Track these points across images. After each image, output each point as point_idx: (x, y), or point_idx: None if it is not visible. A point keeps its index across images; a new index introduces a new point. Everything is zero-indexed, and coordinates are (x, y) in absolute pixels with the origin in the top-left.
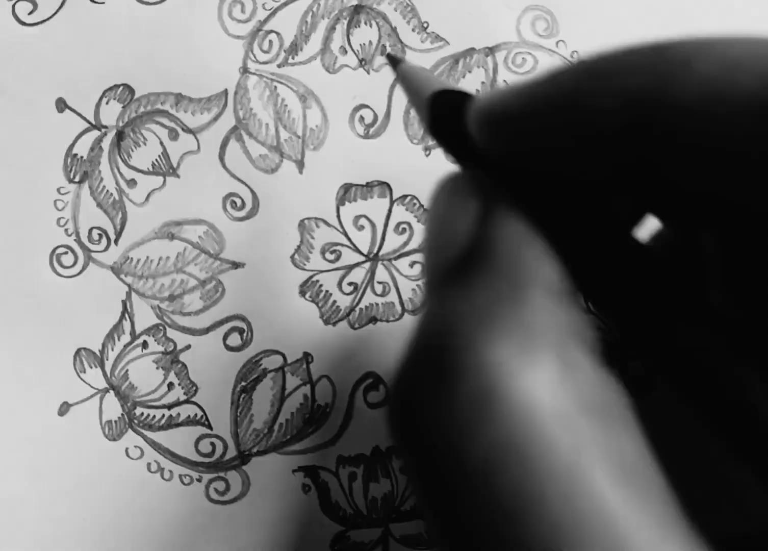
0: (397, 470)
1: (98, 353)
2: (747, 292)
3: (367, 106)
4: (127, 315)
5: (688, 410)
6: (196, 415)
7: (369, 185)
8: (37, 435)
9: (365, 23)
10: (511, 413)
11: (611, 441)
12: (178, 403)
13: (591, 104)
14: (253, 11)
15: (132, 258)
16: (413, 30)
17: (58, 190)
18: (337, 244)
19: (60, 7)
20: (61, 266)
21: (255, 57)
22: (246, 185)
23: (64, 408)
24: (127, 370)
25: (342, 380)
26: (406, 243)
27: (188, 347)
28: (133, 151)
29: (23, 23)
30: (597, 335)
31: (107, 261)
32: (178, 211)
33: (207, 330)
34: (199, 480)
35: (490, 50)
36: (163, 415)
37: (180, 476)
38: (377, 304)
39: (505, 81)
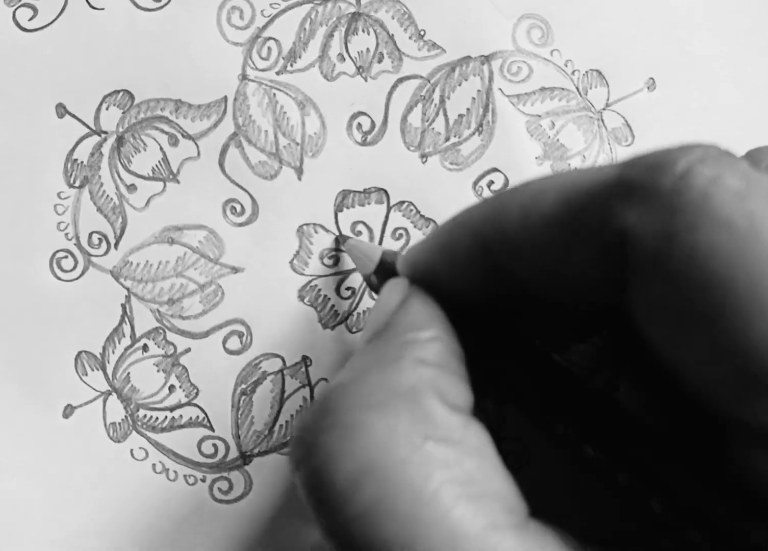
0: None
1: (99, 356)
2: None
3: (364, 114)
4: (126, 319)
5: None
6: (198, 417)
7: (366, 192)
8: (43, 437)
9: (363, 31)
10: (369, 445)
11: (459, 462)
12: (179, 405)
13: (456, 244)
14: (251, 18)
15: (132, 262)
16: (410, 38)
17: (59, 194)
18: (335, 249)
19: (60, 13)
20: (61, 269)
21: (254, 64)
22: (245, 190)
23: (69, 411)
24: (128, 373)
25: None
26: (402, 249)
27: (188, 350)
28: (133, 156)
29: (23, 29)
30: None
31: (107, 265)
32: (178, 216)
33: (207, 334)
34: (203, 480)
35: (486, 58)
36: (166, 417)
37: (185, 476)
38: None
39: (500, 89)
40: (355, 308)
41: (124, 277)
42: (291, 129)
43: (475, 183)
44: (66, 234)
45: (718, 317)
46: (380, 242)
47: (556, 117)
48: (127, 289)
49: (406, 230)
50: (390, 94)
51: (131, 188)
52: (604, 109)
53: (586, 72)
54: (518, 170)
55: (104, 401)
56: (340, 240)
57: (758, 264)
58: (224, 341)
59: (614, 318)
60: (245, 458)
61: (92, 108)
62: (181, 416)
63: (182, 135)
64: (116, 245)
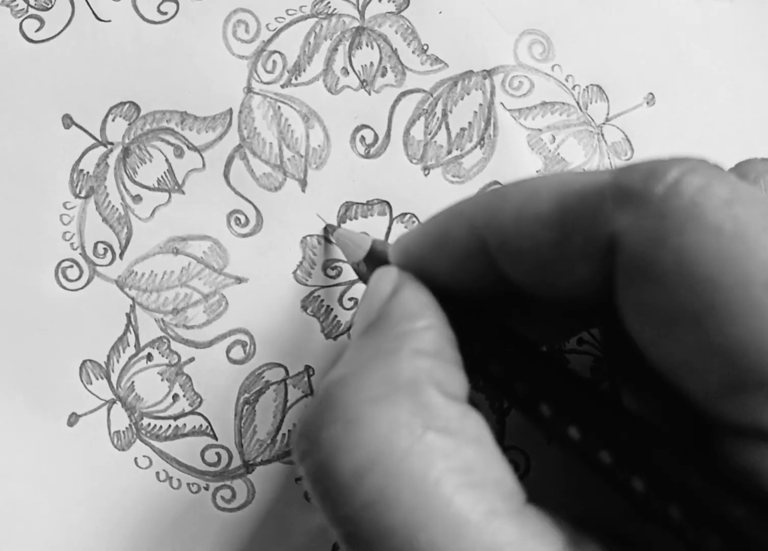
0: None
1: (104, 365)
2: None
3: (367, 127)
4: (131, 328)
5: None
6: (201, 426)
7: (369, 203)
8: (48, 445)
9: (366, 45)
10: (372, 437)
11: (459, 451)
12: (183, 414)
13: (451, 235)
14: (257, 32)
15: (137, 272)
16: (413, 52)
17: (64, 204)
18: (338, 260)
19: (67, 25)
20: (67, 279)
21: (259, 77)
22: (250, 202)
23: (73, 419)
24: (132, 381)
25: None
26: None
27: (192, 359)
28: (138, 167)
29: (30, 40)
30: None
31: (112, 275)
32: (182, 226)
33: (210, 343)
34: (206, 489)
35: (488, 73)
36: (170, 425)
37: (188, 484)
38: None
39: (502, 103)
40: None
41: (129, 286)
42: (295, 141)
43: None
44: (71, 244)
45: (705, 316)
46: None
47: (556, 131)
48: (132, 298)
49: None
50: (393, 107)
51: (137, 198)
52: (604, 123)
53: (587, 87)
54: None
55: (108, 410)
56: (329, 229)
57: (744, 265)
58: (228, 351)
59: (608, 317)
60: (248, 467)
61: (98, 119)
62: (184, 424)
63: (188, 147)
64: (121, 255)
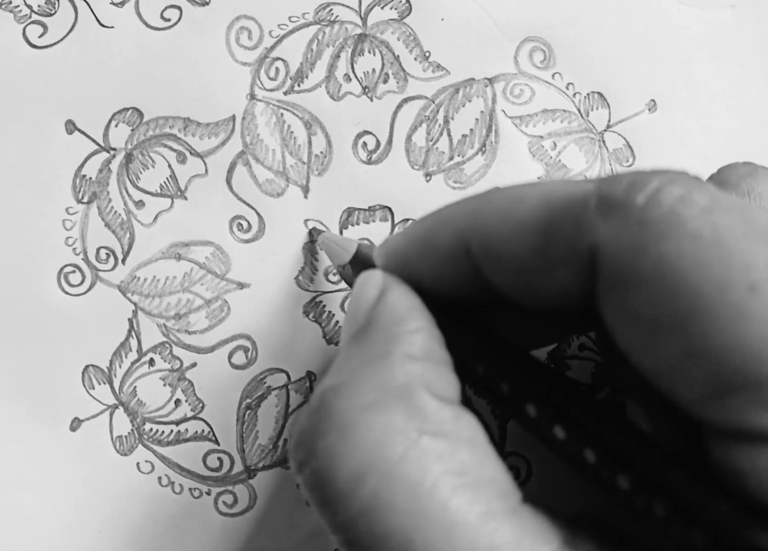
0: None
1: (106, 370)
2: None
3: (369, 133)
4: (133, 333)
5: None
6: (203, 431)
7: (371, 209)
8: (51, 450)
9: (369, 52)
10: (367, 444)
11: (453, 454)
12: (185, 419)
13: (436, 238)
14: (260, 39)
15: (139, 277)
16: (415, 59)
17: (67, 210)
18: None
19: (70, 31)
20: (69, 284)
21: (262, 84)
22: (252, 208)
23: (76, 424)
24: (135, 387)
25: None
26: None
27: (194, 364)
28: (141, 173)
29: (33, 46)
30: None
31: (114, 280)
32: (185, 232)
33: (212, 349)
34: (208, 494)
35: (490, 81)
36: (172, 431)
37: (190, 489)
38: None
39: (503, 111)
40: None
41: (131, 292)
42: (298, 148)
43: None
44: (74, 249)
45: (687, 321)
46: None
47: (558, 138)
48: (134, 304)
49: None
50: (395, 114)
51: (139, 204)
52: (605, 130)
53: (588, 94)
54: None
55: (111, 415)
56: (313, 233)
57: (724, 270)
58: (230, 356)
59: (596, 323)
60: (250, 472)
61: (101, 125)
62: (186, 430)
63: (190, 152)
64: (124, 260)
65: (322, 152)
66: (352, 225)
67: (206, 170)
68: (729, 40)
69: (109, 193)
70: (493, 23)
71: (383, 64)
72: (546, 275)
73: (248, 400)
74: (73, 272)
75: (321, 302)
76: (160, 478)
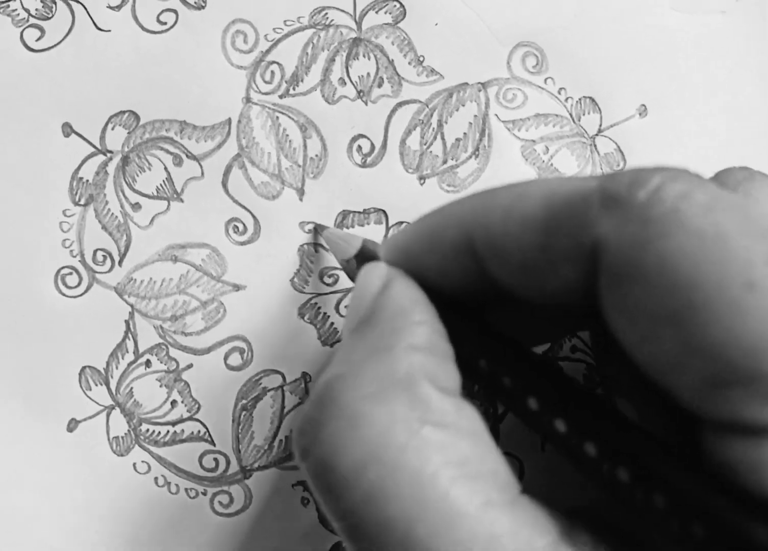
0: None
1: (103, 372)
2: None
3: (364, 137)
4: (130, 335)
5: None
6: (199, 431)
7: (366, 212)
8: (48, 450)
9: (363, 56)
10: (371, 433)
11: (454, 445)
12: (181, 420)
13: (441, 234)
14: (255, 42)
15: (135, 279)
16: (410, 63)
17: (64, 212)
18: (334, 268)
19: (67, 34)
20: (66, 286)
21: (257, 87)
22: (248, 210)
23: (73, 425)
24: (131, 388)
25: None
26: None
27: (190, 366)
28: (138, 175)
29: (31, 49)
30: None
31: (111, 282)
32: (181, 234)
33: (208, 350)
34: (204, 494)
35: (483, 85)
36: (168, 431)
37: (186, 490)
38: None
39: (496, 115)
40: None
41: (127, 294)
42: (293, 151)
43: None
44: (71, 251)
45: (687, 316)
46: None
47: (550, 142)
48: (131, 305)
49: None
50: (389, 117)
51: (136, 206)
52: (596, 134)
53: (580, 99)
54: None
55: (107, 416)
56: (318, 229)
57: (723, 267)
58: (226, 358)
59: (595, 319)
60: (245, 472)
61: (98, 128)
62: (182, 430)
63: (186, 155)
64: (120, 262)
65: (317, 155)
66: (347, 228)
67: (202, 173)
68: (720, 45)
69: (106, 195)
70: (487, 28)
71: (378, 69)
72: (549, 271)
73: (244, 401)
74: (70, 273)
75: (316, 304)
76: (156, 478)
